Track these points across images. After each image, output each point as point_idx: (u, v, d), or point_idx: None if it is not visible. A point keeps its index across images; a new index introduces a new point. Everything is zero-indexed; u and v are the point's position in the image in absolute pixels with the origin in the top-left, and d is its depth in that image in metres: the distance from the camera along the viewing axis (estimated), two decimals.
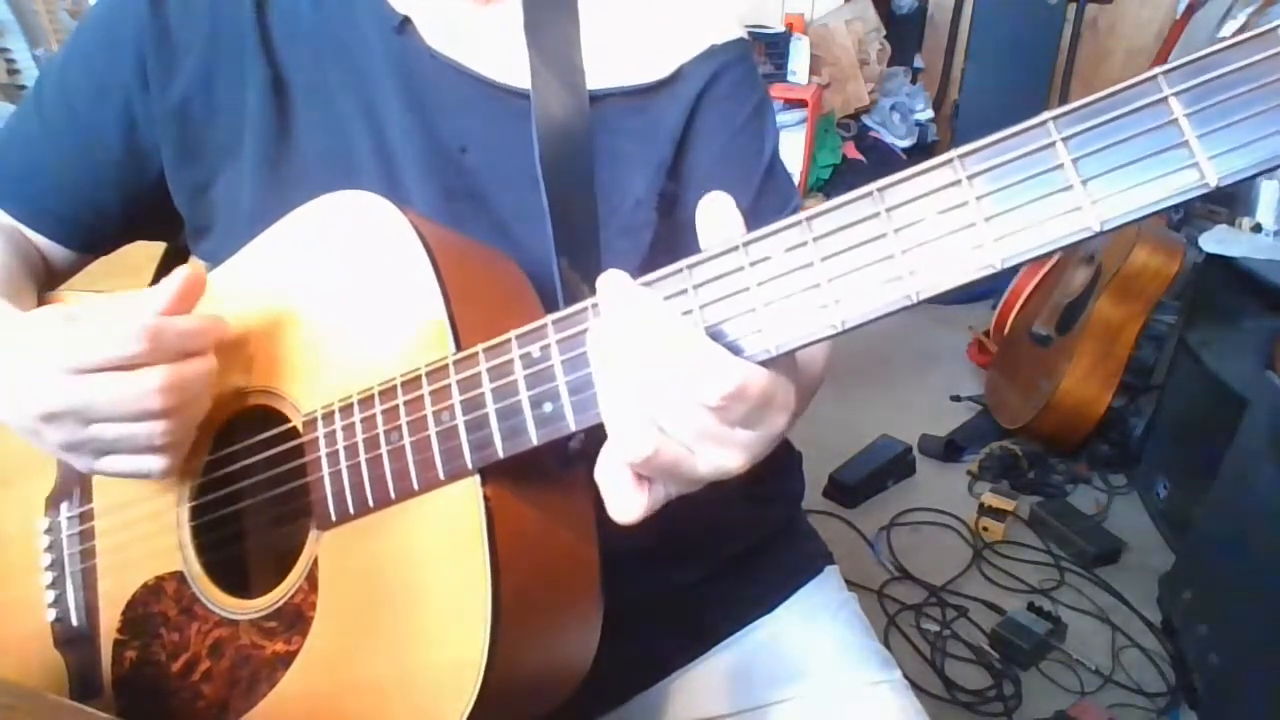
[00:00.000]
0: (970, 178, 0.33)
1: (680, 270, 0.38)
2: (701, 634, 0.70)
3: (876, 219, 0.35)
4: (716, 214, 0.37)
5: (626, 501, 0.39)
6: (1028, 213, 0.32)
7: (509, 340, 0.42)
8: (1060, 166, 0.32)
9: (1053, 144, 0.32)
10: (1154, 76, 0.30)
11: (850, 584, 0.76)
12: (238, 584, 0.56)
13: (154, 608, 0.55)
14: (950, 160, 0.34)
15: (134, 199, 0.64)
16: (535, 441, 0.42)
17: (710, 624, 0.70)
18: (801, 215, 0.36)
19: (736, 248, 0.37)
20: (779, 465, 0.78)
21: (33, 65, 1.66)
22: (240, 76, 0.60)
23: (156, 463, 0.50)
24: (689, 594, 0.69)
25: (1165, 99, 0.30)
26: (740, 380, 0.35)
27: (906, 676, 0.70)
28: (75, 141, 0.62)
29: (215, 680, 0.53)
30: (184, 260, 0.80)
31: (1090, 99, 0.31)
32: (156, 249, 0.78)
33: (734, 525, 0.71)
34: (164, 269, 0.79)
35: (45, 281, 0.66)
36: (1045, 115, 0.32)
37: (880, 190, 0.35)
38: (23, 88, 1.68)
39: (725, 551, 0.70)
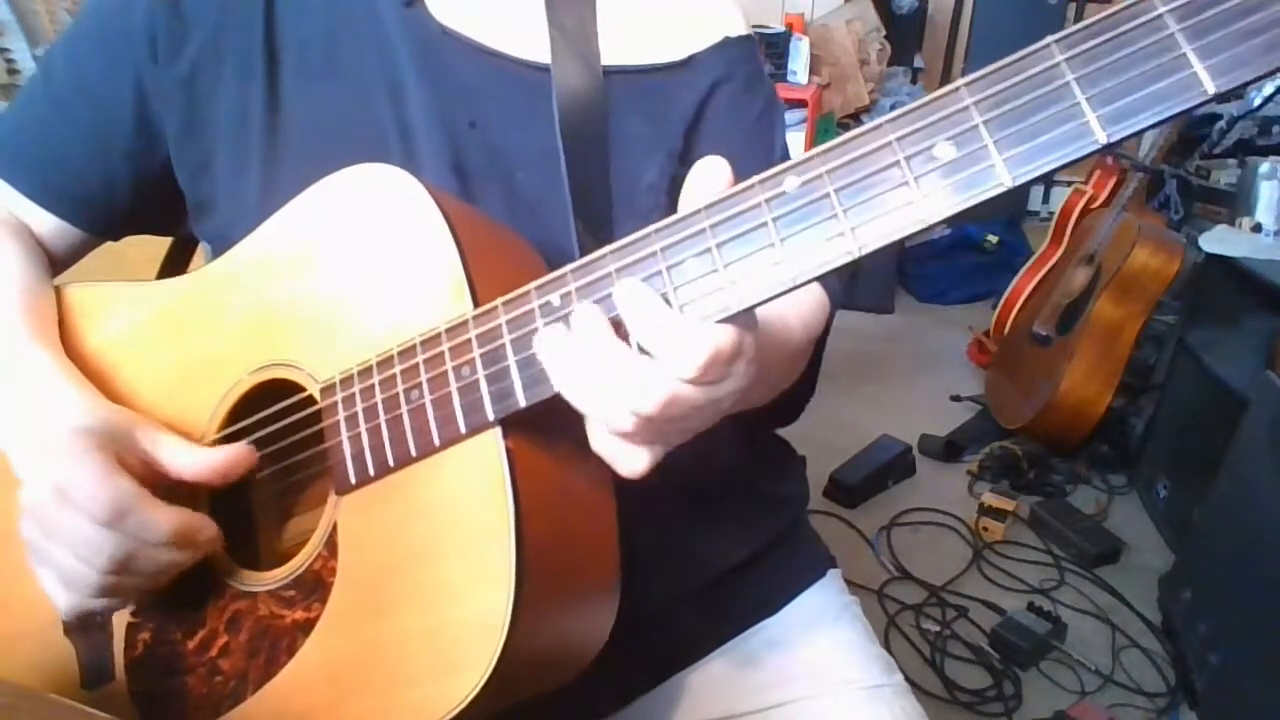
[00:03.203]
0: (977, 103, 0.34)
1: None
2: (704, 637, 0.69)
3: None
4: (708, 179, 0.39)
5: (629, 462, 0.42)
6: (1036, 129, 0.33)
7: (528, 291, 0.43)
8: (1066, 84, 0.32)
9: (1057, 64, 0.32)
10: None
11: (850, 584, 0.76)
12: (250, 556, 0.56)
13: (169, 586, 0.54)
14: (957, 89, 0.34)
15: (144, 177, 0.64)
16: (556, 388, 0.42)
17: (713, 626, 0.70)
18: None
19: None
20: (783, 470, 0.78)
21: (32, 65, 1.66)
22: (248, 51, 0.59)
23: (63, 598, 0.50)
24: (692, 599, 0.69)
25: (1160, 16, 0.31)
26: (711, 346, 0.38)
27: (907, 677, 0.70)
28: (87, 117, 0.62)
29: (234, 654, 0.53)
30: (190, 254, 0.79)
31: (1088, 22, 0.32)
32: (155, 249, 0.77)
33: (739, 531, 0.71)
34: (169, 262, 0.79)
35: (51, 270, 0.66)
36: (1048, 39, 0.32)
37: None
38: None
39: (731, 558, 0.70)
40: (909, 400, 2.38)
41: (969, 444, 2.16)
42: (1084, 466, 2.07)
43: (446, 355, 0.46)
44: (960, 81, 0.34)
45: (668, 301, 0.39)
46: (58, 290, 0.63)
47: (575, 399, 0.41)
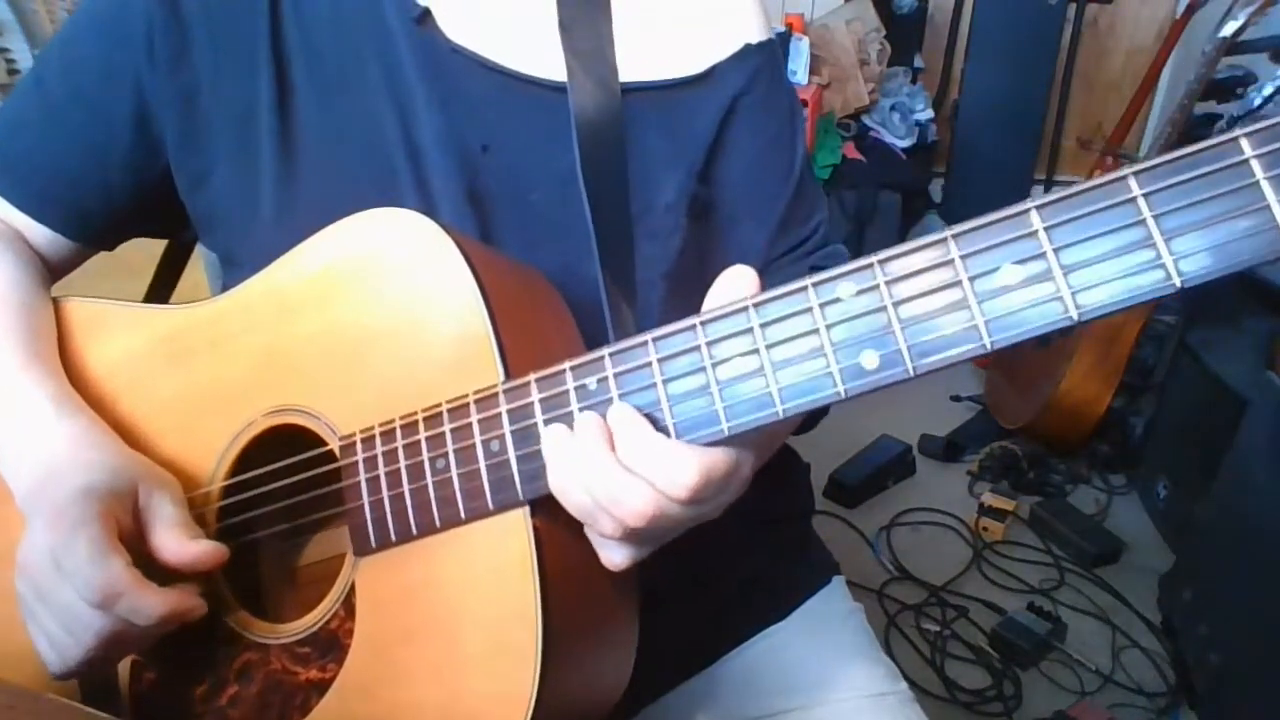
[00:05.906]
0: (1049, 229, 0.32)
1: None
2: (708, 646, 0.69)
3: (948, 265, 0.34)
4: (730, 291, 0.39)
5: (610, 555, 0.43)
6: (1109, 267, 0.31)
7: (563, 371, 0.42)
8: (1142, 221, 0.31)
9: (1134, 198, 0.31)
10: (1235, 138, 0.29)
11: (850, 584, 0.76)
12: (260, 606, 0.55)
13: (176, 629, 0.54)
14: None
15: (143, 187, 0.61)
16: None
17: (716, 635, 0.69)
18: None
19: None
20: (789, 481, 0.77)
21: (32, 65, 1.66)
22: (252, 58, 0.57)
23: (50, 660, 0.50)
24: (696, 609, 0.68)
25: (1247, 161, 0.29)
26: (704, 470, 0.38)
27: (907, 678, 0.70)
28: (83, 125, 0.59)
29: (243, 705, 0.52)
30: (185, 258, 0.78)
31: (1168, 157, 0.30)
32: (155, 250, 0.76)
33: (744, 542, 0.71)
34: (165, 266, 0.77)
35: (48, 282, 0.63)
36: (1125, 171, 0.31)
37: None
38: None
39: (736, 570, 0.70)
40: (909, 400, 2.38)
41: (969, 444, 2.15)
42: (1084, 466, 2.07)
43: (475, 428, 0.44)
44: (1030, 203, 0.32)
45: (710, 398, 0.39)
46: (57, 303, 0.61)
47: (565, 501, 0.41)
